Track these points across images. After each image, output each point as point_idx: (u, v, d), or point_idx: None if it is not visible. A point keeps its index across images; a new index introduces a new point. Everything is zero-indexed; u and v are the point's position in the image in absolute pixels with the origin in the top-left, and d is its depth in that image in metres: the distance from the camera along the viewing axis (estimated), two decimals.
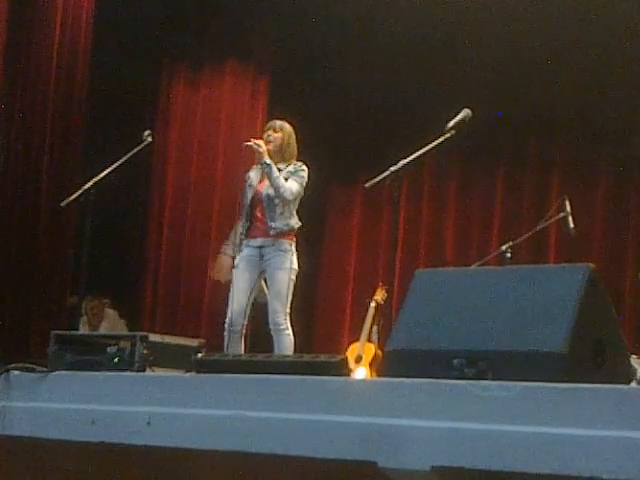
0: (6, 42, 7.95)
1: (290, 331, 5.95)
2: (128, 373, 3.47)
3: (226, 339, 6.00)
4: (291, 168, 6.08)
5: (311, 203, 6.84)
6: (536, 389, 2.38)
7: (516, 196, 9.44)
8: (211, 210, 9.39)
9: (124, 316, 9.10)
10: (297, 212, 6.14)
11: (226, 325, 6.01)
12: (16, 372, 3.42)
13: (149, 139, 6.40)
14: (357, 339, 8.31)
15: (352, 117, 10.16)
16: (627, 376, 2.88)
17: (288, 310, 5.97)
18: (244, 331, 6.03)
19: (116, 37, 8.94)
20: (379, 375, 6.47)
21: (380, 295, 8.30)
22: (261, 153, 6.00)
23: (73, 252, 7.91)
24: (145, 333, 3.70)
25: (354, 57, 9.65)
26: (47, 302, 8.13)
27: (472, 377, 2.62)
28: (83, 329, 8.39)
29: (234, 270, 6.05)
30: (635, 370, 4.26)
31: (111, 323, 8.90)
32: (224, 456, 2.85)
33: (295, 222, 6.07)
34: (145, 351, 3.55)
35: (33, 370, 3.40)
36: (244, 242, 6.10)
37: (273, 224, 5.99)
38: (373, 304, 8.32)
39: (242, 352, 5.95)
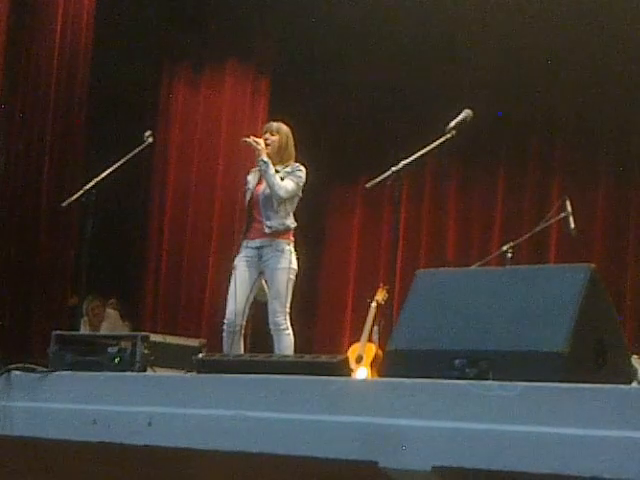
0: (7, 42, 7.96)
1: (290, 331, 5.96)
2: (129, 373, 3.46)
3: (225, 339, 6.02)
4: (289, 169, 6.10)
5: (311, 203, 6.85)
6: (537, 389, 2.38)
7: (517, 196, 9.44)
8: (212, 210, 9.40)
9: (127, 317, 9.11)
10: (295, 213, 6.15)
11: (225, 326, 6.03)
12: (17, 372, 3.42)
13: (150, 139, 6.41)
14: (358, 339, 8.32)
15: (353, 117, 10.17)
16: (628, 376, 2.88)
17: (288, 310, 5.98)
18: (243, 331, 6.04)
19: (117, 37, 8.95)
20: (380, 375, 6.47)
21: (381, 295, 8.30)
22: (259, 150, 6.03)
23: (74, 252, 7.92)
24: (146, 333, 3.70)
25: (355, 57, 9.66)
26: (48, 302, 8.13)
27: (473, 377, 2.62)
28: (84, 329, 8.40)
29: (233, 271, 6.07)
30: (636, 370, 4.27)
31: (112, 323, 8.90)
32: (225, 456, 2.85)
33: (291, 222, 6.08)
34: (146, 351, 3.54)
35: (34, 370, 3.40)
36: (243, 243, 6.12)
37: (269, 223, 6.00)
38: (374, 304, 8.33)
39: (242, 352, 5.96)
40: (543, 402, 2.34)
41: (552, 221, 7.34)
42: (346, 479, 2.72)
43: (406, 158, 5.28)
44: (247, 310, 6.04)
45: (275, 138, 6.14)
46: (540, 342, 2.63)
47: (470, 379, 2.58)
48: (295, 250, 6.07)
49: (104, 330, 8.62)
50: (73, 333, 5.04)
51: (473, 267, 6.31)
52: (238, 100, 9.63)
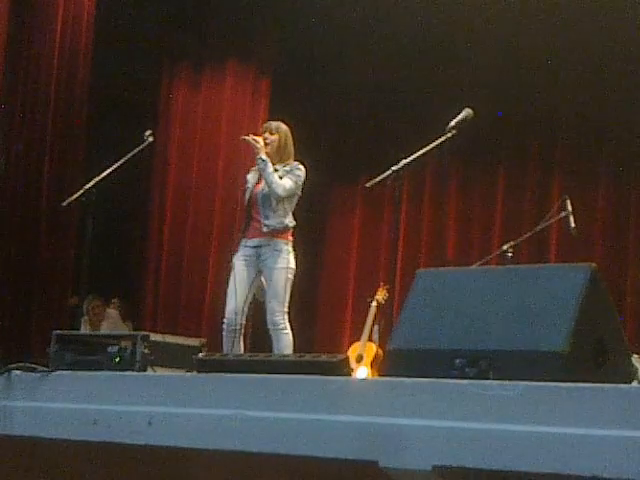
0: (7, 42, 7.96)
1: (289, 330, 5.96)
2: (129, 373, 3.46)
3: (224, 339, 6.02)
4: (288, 167, 6.10)
5: (311, 203, 6.86)
6: (537, 388, 2.38)
7: (517, 196, 9.44)
8: (212, 210, 9.40)
9: (128, 317, 9.11)
10: (294, 212, 6.14)
11: (224, 325, 6.03)
12: (17, 372, 3.42)
13: (150, 139, 6.40)
14: (358, 339, 8.32)
15: (353, 117, 10.17)
16: (628, 375, 2.88)
17: (286, 309, 5.98)
18: (242, 330, 6.04)
19: (117, 37, 8.95)
20: (380, 374, 6.48)
21: (381, 295, 8.30)
22: (258, 148, 6.03)
23: (74, 252, 7.92)
24: (146, 333, 3.70)
25: (355, 57, 9.66)
26: (48, 302, 8.14)
27: (473, 376, 2.62)
28: (84, 329, 8.40)
29: (232, 270, 6.07)
30: (636, 369, 4.27)
31: (112, 323, 8.91)
32: (225, 456, 2.85)
33: (290, 221, 6.08)
34: (146, 351, 3.54)
35: (34, 370, 3.40)
36: (242, 242, 6.11)
37: (267, 222, 6.00)
38: (374, 304, 8.33)
39: (242, 351, 5.96)
40: (543, 402, 2.34)
41: (552, 221, 7.33)
42: (346, 479, 2.72)
43: (406, 158, 5.28)
44: (246, 309, 6.04)
45: (274, 137, 6.14)
46: (540, 342, 2.63)
47: (470, 378, 2.58)
48: (295, 250, 6.07)
49: (104, 330, 8.62)
50: (73, 333, 5.03)
51: (473, 266, 6.30)
52: (238, 100, 9.63)
